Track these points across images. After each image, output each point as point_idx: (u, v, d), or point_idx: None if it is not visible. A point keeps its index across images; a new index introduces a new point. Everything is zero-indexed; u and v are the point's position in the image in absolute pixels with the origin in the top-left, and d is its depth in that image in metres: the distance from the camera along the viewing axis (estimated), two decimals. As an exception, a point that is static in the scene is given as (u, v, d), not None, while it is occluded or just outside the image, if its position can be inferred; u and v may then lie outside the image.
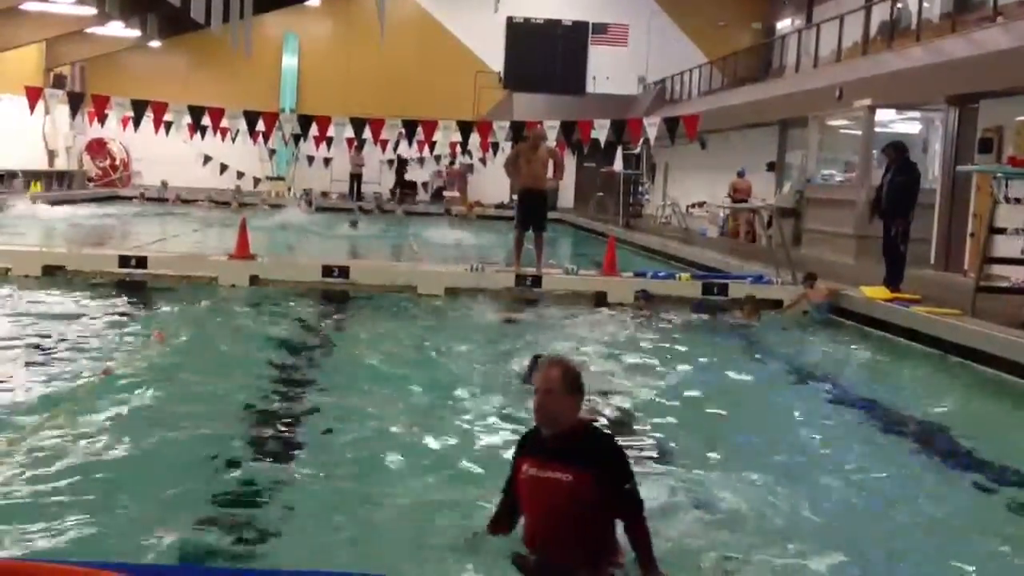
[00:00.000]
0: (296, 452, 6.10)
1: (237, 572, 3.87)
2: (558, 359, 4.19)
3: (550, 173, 13.92)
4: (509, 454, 6.02)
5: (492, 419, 6.94)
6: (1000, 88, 14.38)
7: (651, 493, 5.44)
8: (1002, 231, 11.48)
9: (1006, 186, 10.68)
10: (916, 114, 19.48)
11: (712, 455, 6.38)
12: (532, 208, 13.89)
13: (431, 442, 6.32)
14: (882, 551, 4.91)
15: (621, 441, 6.48)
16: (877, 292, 12.03)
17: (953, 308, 10.79)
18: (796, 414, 7.71)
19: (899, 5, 19.88)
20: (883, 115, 18.79)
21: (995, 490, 6.08)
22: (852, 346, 10.96)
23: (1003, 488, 6.09)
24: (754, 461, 6.25)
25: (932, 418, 7.76)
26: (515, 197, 14.70)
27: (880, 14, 20.23)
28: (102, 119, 19.61)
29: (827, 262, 16.74)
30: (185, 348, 8.94)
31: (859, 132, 18.92)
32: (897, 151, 12.59)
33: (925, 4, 19.16)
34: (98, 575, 2.49)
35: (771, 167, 24.14)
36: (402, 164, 33.70)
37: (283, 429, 6.58)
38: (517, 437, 6.40)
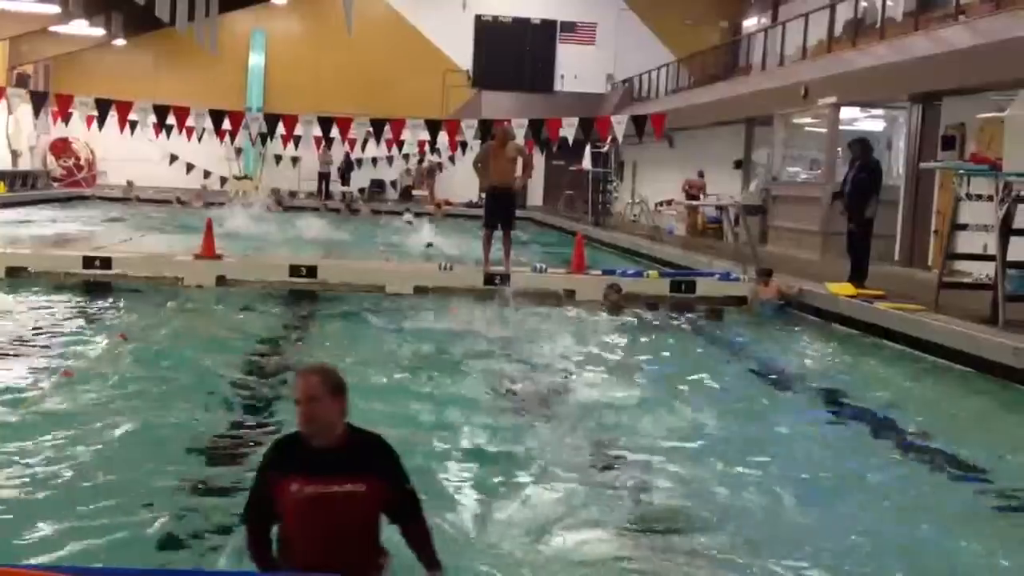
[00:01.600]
0: (258, 451, 6.07)
1: (216, 574, 3.87)
2: (314, 366, 3.82)
3: (519, 171, 13.93)
4: (493, 448, 6.12)
5: (462, 416, 6.94)
6: (963, 86, 14.54)
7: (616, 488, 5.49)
8: (964, 227, 11.63)
9: (968, 183, 10.80)
10: (880, 112, 19.66)
11: (668, 451, 6.43)
12: (500, 206, 13.87)
13: (402, 440, 6.30)
14: (841, 538, 4.97)
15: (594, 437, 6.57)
16: (842, 288, 12.14)
17: (917, 304, 10.92)
18: (757, 410, 7.78)
19: (863, 4, 20.06)
20: (848, 113, 18.95)
21: (956, 480, 6.18)
22: (815, 342, 11.06)
23: (963, 477, 6.20)
24: (711, 454, 6.31)
25: (894, 412, 7.85)
26: (483, 196, 14.68)
27: (845, 13, 20.41)
28: (66, 118, 19.42)
29: (793, 259, 16.88)
30: (149, 349, 8.87)
31: (824, 130, 19.08)
32: (863, 148, 12.72)
33: (889, 3, 19.33)
34: None
35: (738, 165, 24.30)
36: (349, 165, 33.65)
37: (248, 429, 6.55)
38: (488, 432, 6.52)
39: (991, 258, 10.46)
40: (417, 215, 27.78)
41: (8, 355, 8.30)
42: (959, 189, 10.90)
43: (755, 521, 5.21)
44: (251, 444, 6.15)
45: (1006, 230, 10.09)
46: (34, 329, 9.57)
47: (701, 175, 24.94)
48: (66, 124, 21.06)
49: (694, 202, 22.93)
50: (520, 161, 13.91)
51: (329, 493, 3.53)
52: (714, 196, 23.52)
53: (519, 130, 17.69)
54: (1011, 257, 10.14)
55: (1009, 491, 5.99)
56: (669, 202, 26.03)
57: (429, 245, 19.30)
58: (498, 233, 13.84)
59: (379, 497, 3.63)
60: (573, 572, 4.54)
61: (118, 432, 6.12)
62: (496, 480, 5.67)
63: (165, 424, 6.43)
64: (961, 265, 12.93)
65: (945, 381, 9.12)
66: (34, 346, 8.71)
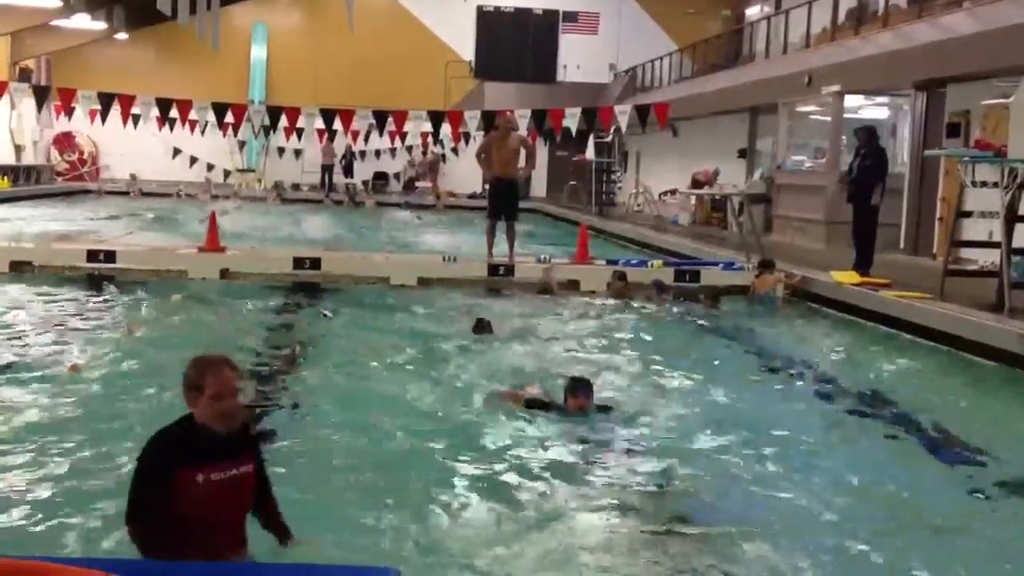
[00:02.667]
0: (269, 445, 6.07)
1: (222, 566, 3.84)
2: (220, 357, 3.83)
3: (522, 162, 13.92)
4: (490, 443, 6.12)
5: (469, 405, 6.94)
6: (967, 72, 14.49)
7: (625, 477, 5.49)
8: (969, 214, 11.60)
9: (973, 170, 10.77)
10: (884, 99, 19.60)
11: (677, 438, 6.43)
12: (503, 197, 13.87)
13: (408, 431, 6.32)
14: (843, 525, 4.97)
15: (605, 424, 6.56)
16: (847, 277, 12.12)
17: (922, 292, 10.89)
18: (763, 399, 7.76)
19: (867, -9, 19.97)
20: (852, 101, 18.89)
21: (962, 469, 6.17)
22: (820, 330, 11.04)
23: (968, 467, 6.19)
24: (720, 442, 6.31)
25: (902, 400, 7.83)
26: (487, 187, 14.67)
27: (848, 0, 20.33)
28: (69, 113, 19.41)
29: (798, 248, 16.86)
30: (154, 342, 8.87)
31: (828, 118, 19.02)
32: (868, 135, 12.69)
33: (892, -10, 19.25)
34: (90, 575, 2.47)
35: (742, 154, 24.24)
36: (352, 158, 33.62)
37: (254, 421, 6.55)
38: (495, 422, 6.51)
39: (996, 245, 10.43)
40: (419, 207, 27.84)
41: (14, 350, 8.30)
42: (964, 176, 10.87)
43: (755, 504, 5.21)
44: (260, 437, 6.15)
45: (1011, 217, 10.06)
46: (39, 324, 9.59)
47: (717, 173, 24.74)
48: (69, 118, 21.05)
49: (696, 191, 22.85)
50: (523, 152, 13.89)
51: (231, 477, 3.68)
52: (717, 186, 23.48)
53: (522, 121, 17.64)
54: (1016, 244, 10.11)
55: (1010, 477, 5.98)
56: (673, 192, 25.96)
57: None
58: (502, 224, 13.84)
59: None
60: (576, 558, 4.54)
61: (125, 427, 6.13)
62: (500, 468, 5.67)
63: (173, 417, 6.42)
64: (966, 252, 12.90)
65: (951, 369, 9.09)
66: (39, 341, 8.72)
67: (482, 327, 9.54)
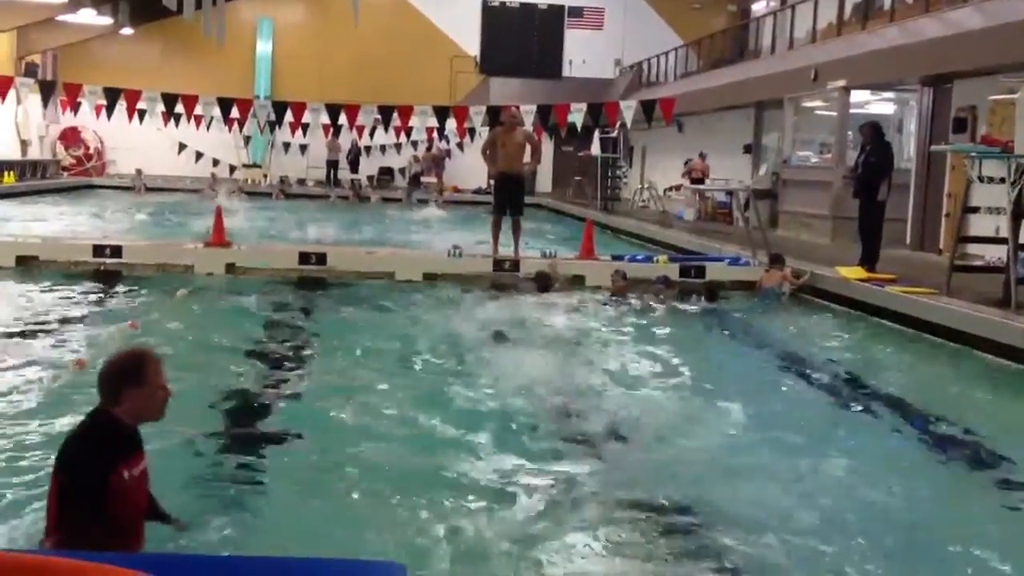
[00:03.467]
0: (275, 440, 6.09)
1: (227, 559, 3.85)
2: (150, 351, 3.87)
3: (527, 157, 13.90)
4: (486, 438, 6.12)
5: (472, 400, 6.94)
6: (973, 68, 14.45)
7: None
8: (976, 210, 11.57)
9: (980, 165, 10.74)
10: (891, 95, 19.56)
11: (687, 435, 6.42)
12: (508, 193, 13.87)
13: (413, 426, 6.32)
14: (860, 523, 4.96)
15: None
16: (853, 272, 12.10)
17: (928, 287, 10.87)
18: (769, 393, 7.76)
19: (873, -14, 19.91)
20: (858, 96, 18.86)
21: (965, 465, 6.16)
22: (825, 326, 11.03)
23: (971, 463, 6.18)
24: (726, 434, 6.31)
25: (907, 396, 7.82)
26: (492, 182, 14.66)
27: (854, -5, 20.27)
28: (75, 108, 19.42)
29: (803, 243, 16.83)
30: (160, 337, 8.88)
31: (834, 113, 18.98)
32: (873, 131, 12.66)
33: (899, -16, 19.20)
34: (100, 568, 2.47)
35: (747, 149, 24.21)
36: (357, 153, 33.66)
37: (260, 416, 6.57)
38: (499, 415, 6.52)
39: (1003, 241, 10.41)
40: (420, 201, 27.82)
41: (20, 345, 8.31)
42: (970, 171, 10.84)
43: (756, 500, 5.21)
44: (261, 436, 6.17)
45: (1018, 213, 10.03)
46: (45, 319, 9.59)
47: (703, 156, 24.86)
48: (75, 113, 21.06)
49: (703, 186, 22.84)
50: (528, 147, 13.88)
51: (143, 469, 3.72)
52: (722, 180, 23.48)
53: (527, 116, 17.63)
54: (1023, 240, 10.08)
55: (1013, 473, 5.97)
56: (678, 187, 25.95)
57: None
58: (508, 219, 13.84)
59: None
60: (582, 556, 4.54)
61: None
62: (508, 465, 5.67)
63: (176, 414, 6.43)
64: (973, 248, 12.87)
65: (957, 365, 9.08)
66: (45, 336, 8.73)
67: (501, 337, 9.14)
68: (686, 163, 25.23)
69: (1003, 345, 8.98)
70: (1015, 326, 8.96)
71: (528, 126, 16.84)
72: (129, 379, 3.63)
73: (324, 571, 2.86)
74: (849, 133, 18.47)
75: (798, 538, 4.75)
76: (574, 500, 5.19)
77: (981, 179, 10.74)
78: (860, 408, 7.52)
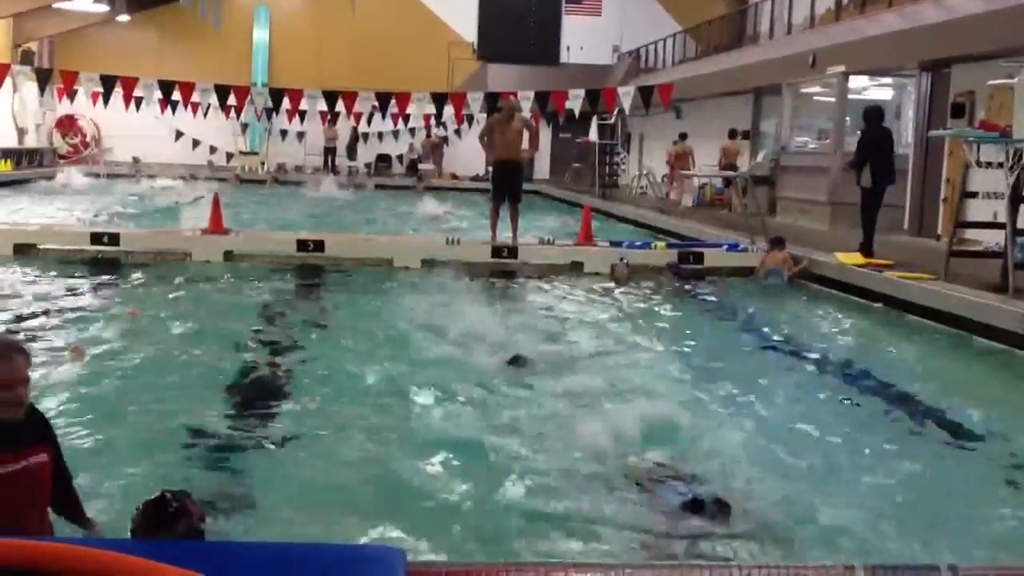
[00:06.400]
0: (272, 427, 6.10)
1: (227, 544, 3.86)
2: (8, 343, 3.52)
3: (525, 144, 13.88)
4: (484, 421, 6.13)
5: (470, 390, 6.95)
6: (972, 53, 14.42)
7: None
8: (974, 195, 11.56)
9: (978, 150, 10.73)
10: (889, 80, 19.52)
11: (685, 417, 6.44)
12: (507, 180, 13.85)
13: (412, 413, 6.34)
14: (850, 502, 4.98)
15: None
16: (850, 257, 12.11)
17: (926, 272, 10.88)
18: (767, 379, 7.77)
19: (872, -29, 19.85)
20: (856, 82, 18.82)
21: (969, 449, 6.18)
22: (823, 311, 11.05)
23: (966, 444, 6.21)
24: (723, 416, 6.32)
25: (902, 380, 7.84)
26: (490, 169, 14.66)
27: (853, -20, 20.21)
28: (71, 95, 19.39)
29: (801, 229, 16.82)
30: (159, 325, 8.89)
31: (833, 99, 18.95)
32: (868, 116, 12.66)
33: (897, -31, 19.14)
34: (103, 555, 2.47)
35: (746, 135, 24.17)
36: (355, 140, 33.67)
37: (260, 403, 6.57)
38: (496, 404, 6.53)
39: (1001, 226, 10.41)
40: (408, 188, 27.79)
41: (17, 333, 8.30)
42: (969, 157, 10.84)
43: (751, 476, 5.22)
44: (260, 422, 6.18)
45: (1016, 197, 10.03)
46: (43, 307, 9.59)
47: (684, 136, 24.79)
48: (71, 101, 21.02)
49: (699, 174, 22.81)
50: (526, 134, 13.86)
51: (20, 469, 3.36)
52: (712, 166, 23.43)
53: (525, 102, 17.61)
54: (1021, 225, 10.09)
55: (1007, 455, 5.99)
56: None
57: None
58: (506, 206, 13.83)
59: (54, 464, 3.51)
60: (583, 538, 4.56)
61: (128, 410, 6.15)
62: (508, 448, 5.68)
63: (176, 403, 6.45)
64: (971, 233, 12.87)
65: (954, 349, 9.10)
66: (44, 324, 8.73)
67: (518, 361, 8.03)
68: (675, 143, 25.14)
69: (1000, 330, 8.98)
70: (1012, 311, 8.97)
71: (526, 112, 16.81)
72: None
73: (322, 556, 2.87)
74: (848, 119, 18.44)
75: (778, 513, 4.77)
76: (579, 476, 5.21)
77: (979, 164, 10.74)
78: (852, 390, 7.55)
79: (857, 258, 12.05)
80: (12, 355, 3.34)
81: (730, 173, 20.23)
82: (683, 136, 24.89)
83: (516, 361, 7.47)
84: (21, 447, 3.38)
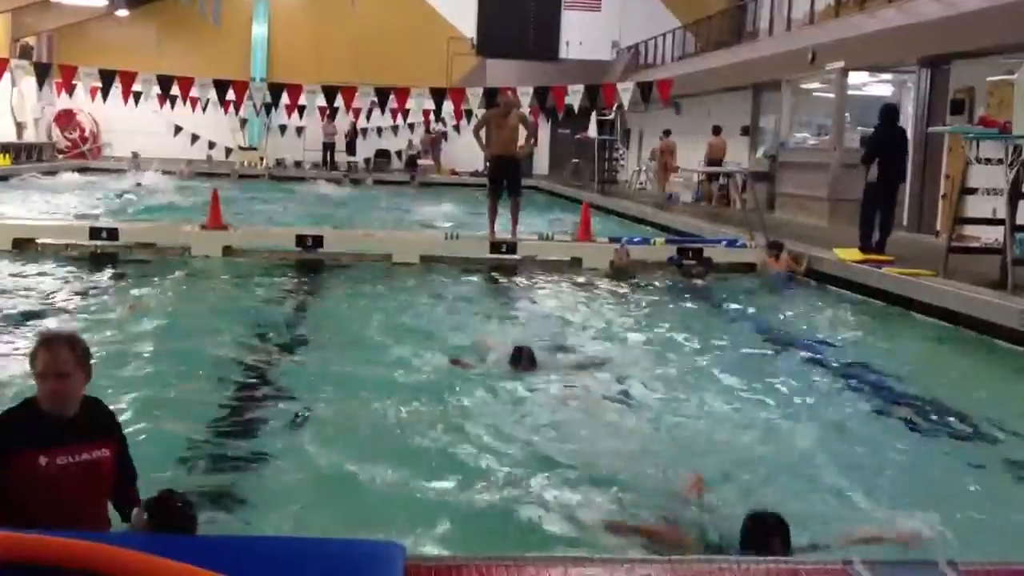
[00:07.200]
0: (273, 422, 6.10)
1: (226, 539, 3.86)
2: (58, 335, 3.58)
3: (522, 140, 13.89)
4: (490, 417, 6.13)
5: (468, 384, 6.96)
6: (972, 49, 14.41)
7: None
8: (973, 191, 11.56)
9: (977, 147, 10.73)
10: (888, 76, 19.50)
11: (687, 410, 6.45)
12: (505, 174, 13.83)
13: (411, 409, 6.33)
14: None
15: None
16: (849, 254, 12.11)
17: (925, 269, 10.88)
18: (768, 373, 7.77)
19: (871, -34, 19.82)
20: (856, 78, 18.80)
21: (965, 441, 6.19)
22: (822, 306, 11.06)
23: (964, 442, 6.22)
24: (724, 406, 6.34)
25: (901, 376, 7.84)
26: (487, 165, 14.65)
27: (852, -24, 20.18)
28: (70, 90, 19.38)
29: (800, 225, 16.82)
30: (158, 320, 8.88)
31: (832, 95, 18.94)
32: (885, 114, 12.68)
33: (897, -35, 19.11)
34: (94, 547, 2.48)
35: (745, 131, 24.16)
36: (354, 135, 33.65)
37: (256, 400, 6.57)
38: (495, 400, 6.53)
39: (1000, 222, 10.41)
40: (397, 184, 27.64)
41: (15, 330, 8.30)
42: (968, 153, 10.83)
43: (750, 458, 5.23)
44: (260, 417, 6.18)
45: (1015, 194, 10.03)
46: (42, 302, 9.59)
47: (668, 133, 24.80)
48: (70, 96, 20.99)
49: (697, 169, 22.83)
50: (523, 131, 13.85)
51: (82, 461, 3.44)
52: (700, 161, 23.48)
53: (524, 98, 17.59)
54: (1020, 221, 10.09)
55: (1007, 452, 6.00)
56: (676, 169, 25.90)
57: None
58: (505, 201, 13.82)
59: (115, 460, 3.57)
60: (578, 532, 4.56)
61: (126, 406, 6.14)
62: (503, 444, 5.68)
63: (173, 397, 6.45)
64: (970, 230, 12.87)
65: (952, 346, 9.10)
66: (42, 320, 8.72)
67: (521, 360, 7.42)
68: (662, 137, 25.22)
69: (999, 326, 8.98)
70: (1011, 307, 8.97)
71: (525, 108, 16.79)
72: (30, 363, 3.50)
73: (323, 550, 2.87)
74: (847, 115, 18.42)
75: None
76: (568, 470, 5.22)
77: (979, 160, 10.73)
78: (850, 386, 7.56)
79: (855, 254, 12.05)
80: (56, 347, 3.40)
81: (728, 169, 20.24)
82: (667, 132, 24.91)
83: (518, 358, 7.37)
84: (85, 440, 3.45)
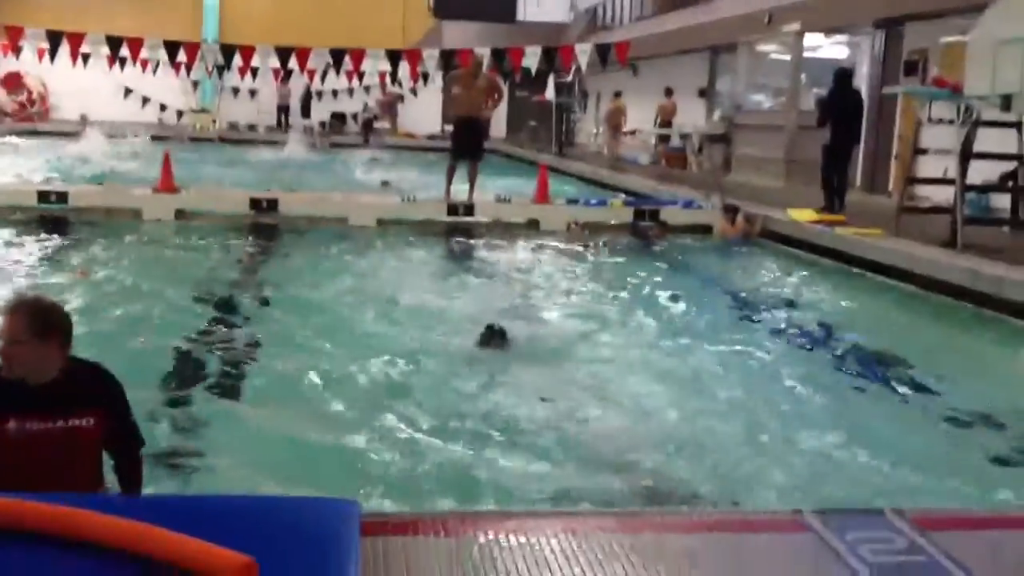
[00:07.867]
0: (227, 384, 6.06)
1: (182, 498, 3.84)
2: (22, 302, 3.44)
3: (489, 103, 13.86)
4: (449, 382, 6.14)
5: (427, 348, 6.95)
6: (926, 10, 14.51)
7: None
8: (925, 152, 11.69)
9: (930, 108, 10.84)
10: (844, 38, 19.59)
11: (640, 371, 6.49)
12: (468, 137, 13.76)
13: (367, 372, 6.32)
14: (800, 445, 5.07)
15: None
16: (802, 214, 12.22)
17: (877, 228, 11.01)
18: (719, 332, 7.86)
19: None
20: (811, 40, 18.87)
21: (923, 402, 6.30)
22: (776, 267, 11.17)
23: (918, 396, 6.33)
24: (674, 371, 6.39)
25: (853, 334, 7.97)
26: (448, 127, 14.57)
27: (809, -63, 20.18)
28: (16, 51, 18.93)
29: (757, 186, 16.93)
30: (109, 285, 8.77)
31: (788, 57, 19.00)
32: (839, 77, 12.79)
33: (853, -74, 19.14)
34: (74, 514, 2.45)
35: (702, 93, 24.21)
36: (308, 98, 33.31)
37: (212, 364, 6.52)
38: (454, 364, 6.53)
39: (951, 182, 10.54)
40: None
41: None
42: (920, 114, 10.94)
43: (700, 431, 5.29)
44: (214, 380, 6.14)
45: (965, 154, 10.15)
46: (-10, 266, 9.42)
47: (618, 95, 24.84)
48: (17, 57, 20.50)
49: (656, 130, 22.87)
50: (492, 93, 13.80)
51: (54, 428, 3.35)
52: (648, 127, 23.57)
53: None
54: (970, 181, 10.22)
55: (956, 405, 6.12)
56: (633, 132, 25.92)
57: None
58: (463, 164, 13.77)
59: (99, 429, 3.46)
60: (538, 489, 4.59)
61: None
62: (463, 405, 5.70)
63: (126, 363, 6.37)
64: (921, 190, 13.02)
65: (903, 304, 9.25)
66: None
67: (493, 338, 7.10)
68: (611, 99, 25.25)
69: (948, 283, 9.13)
70: (960, 265, 9.11)
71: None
72: None
73: (277, 508, 2.87)
74: (803, 76, 18.50)
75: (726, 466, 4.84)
76: (520, 429, 5.26)
77: (931, 121, 10.84)
78: (804, 345, 7.67)
79: (809, 214, 12.16)
80: (13, 314, 3.28)
81: (684, 131, 20.28)
82: (618, 94, 24.91)
83: (489, 337, 7.02)
84: (59, 409, 3.34)
